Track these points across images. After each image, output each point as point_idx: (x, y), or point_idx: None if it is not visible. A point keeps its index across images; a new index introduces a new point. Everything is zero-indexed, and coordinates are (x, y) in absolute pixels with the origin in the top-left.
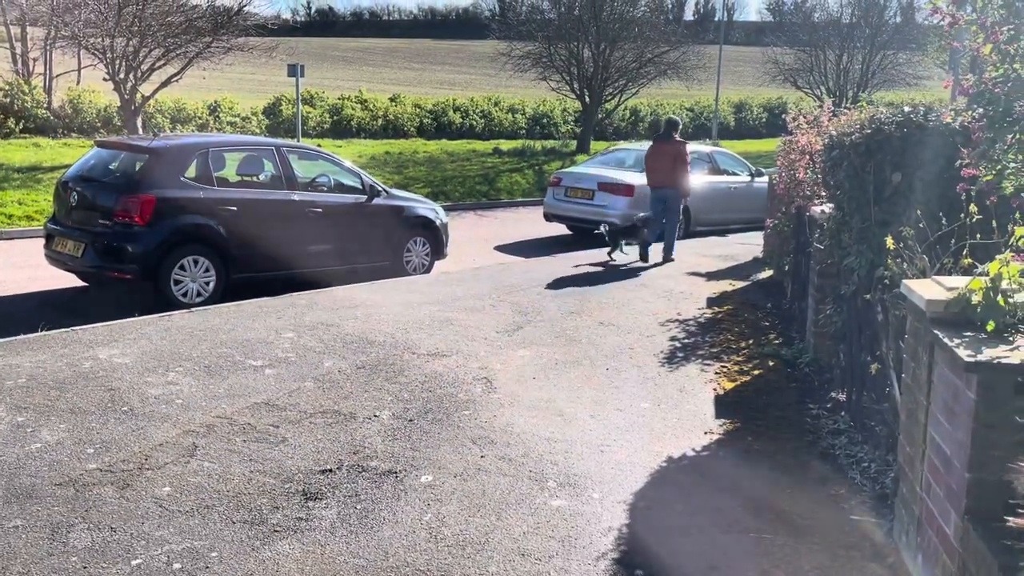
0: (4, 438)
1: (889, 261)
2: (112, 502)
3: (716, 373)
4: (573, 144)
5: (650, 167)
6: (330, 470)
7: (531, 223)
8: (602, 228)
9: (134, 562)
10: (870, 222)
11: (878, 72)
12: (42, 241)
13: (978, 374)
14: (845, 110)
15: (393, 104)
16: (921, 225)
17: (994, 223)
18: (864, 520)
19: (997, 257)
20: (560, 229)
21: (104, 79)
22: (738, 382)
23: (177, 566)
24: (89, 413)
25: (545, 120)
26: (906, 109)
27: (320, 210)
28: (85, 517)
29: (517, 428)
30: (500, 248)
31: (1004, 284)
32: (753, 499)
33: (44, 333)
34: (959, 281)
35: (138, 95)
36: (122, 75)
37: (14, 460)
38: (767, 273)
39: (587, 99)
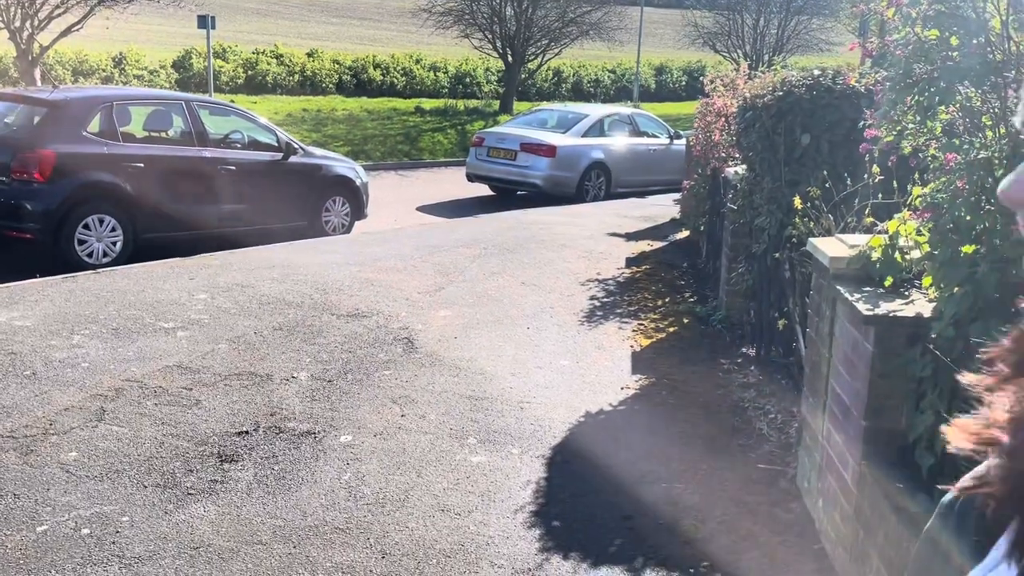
0: None
1: (797, 220)
2: (15, 468)
3: (633, 331)
4: (496, 104)
5: None
6: (246, 432)
7: (453, 183)
8: None
9: (39, 528)
10: (780, 183)
11: (793, 37)
12: None
13: (876, 326)
14: (760, 73)
15: (311, 59)
16: (827, 185)
17: (895, 183)
18: (770, 468)
19: (895, 216)
20: (483, 189)
21: None
22: (654, 339)
23: (86, 531)
24: None
25: (468, 79)
26: (815, 72)
27: (233, 168)
28: None
29: (438, 387)
30: (422, 208)
31: (902, 241)
32: (666, 451)
33: None
34: (861, 239)
35: (36, 45)
36: (17, 23)
37: None
38: (684, 234)
39: (510, 58)
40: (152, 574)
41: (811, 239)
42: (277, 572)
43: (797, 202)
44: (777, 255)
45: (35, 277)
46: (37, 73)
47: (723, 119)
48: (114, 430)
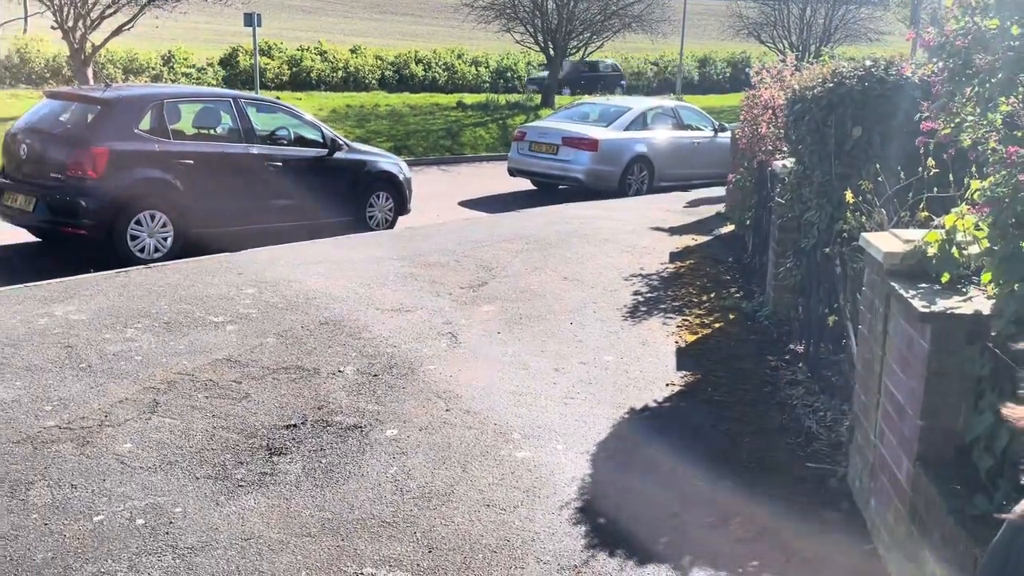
0: None
1: (848, 215)
2: (72, 459)
3: (678, 326)
4: (538, 98)
5: None
6: (294, 425)
7: (495, 178)
8: None
9: (96, 518)
10: (830, 176)
11: (841, 27)
12: None
13: (932, 324)
14: (808, 64)
15: (354, 56)
16: (880, 179)
17: (951, 176)
18: (820, 467)
19: (953, 210)
20: (524, 184)
21: (52, 27)
22: (699, 335)
23: (140, 522)
24: (46, 370)
25: (509, 73)
26: (867, 63)
27: (280, 164)
28: (44, 474)
29: (482, 382)
30: (464, 203)
31: (959, 236)
32: (712, 449)
33: None
34: (916, 234)
35: (88, 44)
36: (71, 23)
37: None
38: (729, 228)
39: (551, 52)
40: (205, 564)
41: (863, 234)
42: (325, 564)
43: (849, 196)
44: (827, 250)
45: (89, 272)
46: (89, 72)
47: (770, 111)
48: (167, 422)
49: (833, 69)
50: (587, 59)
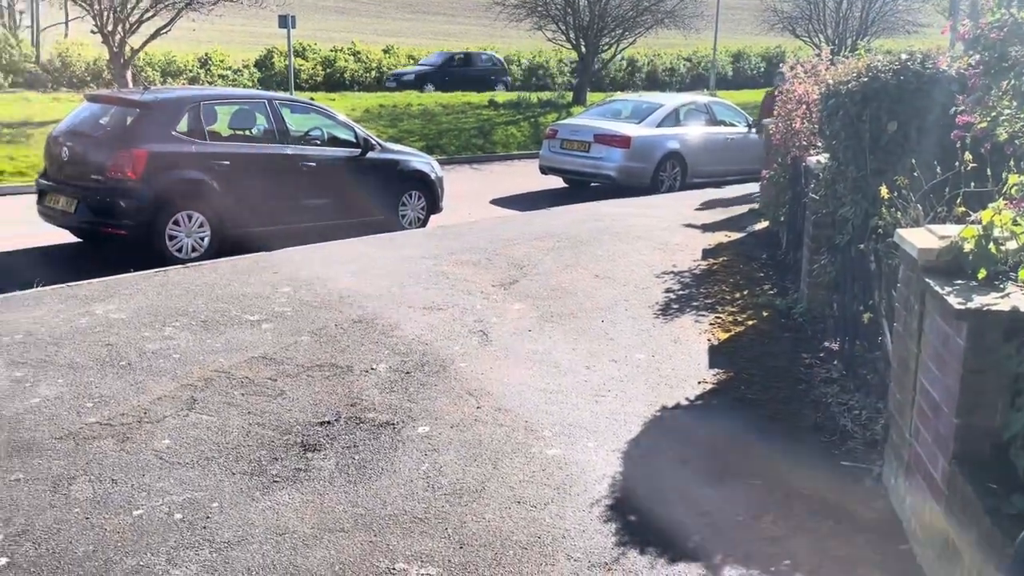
0: (3, 393)
1: (883, 210)
2: (112, 455)
3: (711, 324)
4: (569, 95)
5: None
6: (328, 422)
7: (527, 176)
8: None
9: (136, 512)
10: (865, 171)
11: (877, 19)
12: (34, 197)
13: (968, 321)
14: (843, 58)
15: (387, 56)
16: (916, 174)
17: (988, 171)
18: (854, 465)
19: (990, 205)
20: (556, 182)
21: (92, 31)
22: (732, 332)
23: (178, 516)
24: (87, 368)
25: (541, 71)
26: (903, 56)
27: (314, 164)
28: (86, 470)
29: (513, 379)
30: (495, 202)
31: (996, 232)
32: (745, 447)
33: (40, 289)
34: (952, 230)
35: (127, 48)
36: (110, 27)
37: (13, 415)
38: (763, 224)
39: (583, 49)
40: (240, 558)
41: (898, 230)
42: (358, 559)
43: (884, 191)
44: (862, 246)
45: (129, 271)
46: (129, 75)
47: (804, 106)
48: (204, 419)
49: (868, 63)
50: (466, 51)
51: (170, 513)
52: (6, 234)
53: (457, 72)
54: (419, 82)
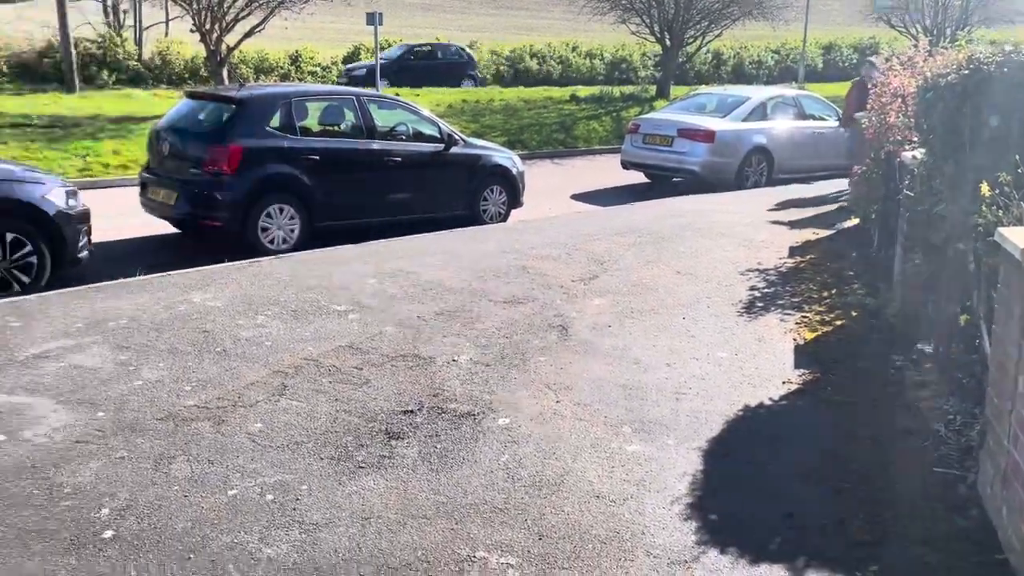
0: (109, 375)
1: (984, 208)
2: (209, 436)
3: (797, 323)
4: (652, 89)
5: None
6: (411, 411)
7: (608, 171)
8: None
9: (230, 492)
10: (964, 168)
11: (979, 8)
12: (137, 189)
13: None
14: (942, 50)
15: (470, 51)
16: (1020, 171)
17: None
18: (947, 472)
19: None
20: (638, 177)
21: (191, 30)
22: (819, 332)
23: (269, 497)
24: (186, 353)
25: (624, 65)
26: (1007, 48)
27: (399, 159)
28: (185, 450)
29: (592, 375)
30: (577, 197)
31: None
32: (831, 450)
33: (142, 277)
34: None
35: (223, 46)
36: (208, 26)
37: (118, 395)
38: (853, 221)
39: (667, 42)
40: (328, 540)
41: (999, 229)
42: (440, 546)
43: (984, 188)
44: (960, 245)
45: (224, 262)
46: (224, 72)
47: (900, 100)
48: (294, 404)
49: (969, 55)
50: (432, 43)
51: (262, 494)
52: (111, 225)
53: (418, 66)
54: (370, 77)
